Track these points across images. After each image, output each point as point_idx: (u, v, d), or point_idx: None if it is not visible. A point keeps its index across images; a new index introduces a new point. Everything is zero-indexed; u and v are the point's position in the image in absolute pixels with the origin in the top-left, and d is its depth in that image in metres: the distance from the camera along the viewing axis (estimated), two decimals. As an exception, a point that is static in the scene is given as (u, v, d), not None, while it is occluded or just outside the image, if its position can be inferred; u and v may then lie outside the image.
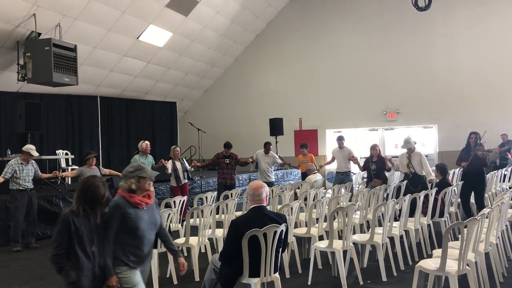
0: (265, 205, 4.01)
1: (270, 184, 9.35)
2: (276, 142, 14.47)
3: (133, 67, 13.87)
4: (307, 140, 13.75)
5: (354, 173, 10.23)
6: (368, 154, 9.10)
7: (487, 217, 4.54)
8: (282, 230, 3.91)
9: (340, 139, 9.99)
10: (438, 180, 7.24)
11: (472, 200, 7.99)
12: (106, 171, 8.49)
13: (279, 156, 10.66)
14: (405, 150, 8.30)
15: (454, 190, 7.20)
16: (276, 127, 14.49)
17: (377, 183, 8.34)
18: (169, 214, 5.31)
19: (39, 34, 10.05)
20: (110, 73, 13.49)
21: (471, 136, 8.09)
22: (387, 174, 9.14)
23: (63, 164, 11.55)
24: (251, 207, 3.99)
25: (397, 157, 8.88)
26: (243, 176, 12.67)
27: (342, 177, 9.70)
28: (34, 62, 9.54)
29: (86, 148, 13.40)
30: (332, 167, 11.52)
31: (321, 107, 16.19)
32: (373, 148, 8.87)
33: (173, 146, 9.58)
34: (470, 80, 14.29)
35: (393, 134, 15.69)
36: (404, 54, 15.12)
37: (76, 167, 9.47)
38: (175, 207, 6.62)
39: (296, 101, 16.53)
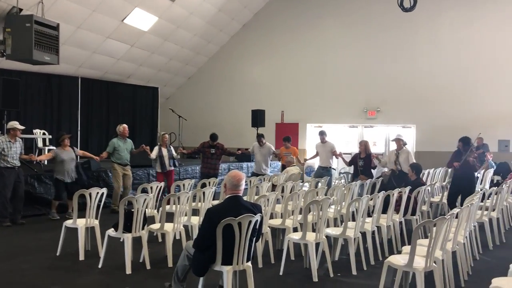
0: (241, 195, 4.05)
1: (265, 176, 9.37)
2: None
3: (116, 49, 13.69)
4: (288, 134, 13.79)
5: (334, 169, 10.31)
6: (347, 150, 9.22)
7: (456, 217, 4.68)
8: (257, 220, 3.96)
9: (322, 134, 10.05)
10: (412, 179, 7.39)
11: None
12: (80, 152, 8.45)
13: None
14: (394, 147, 8.43)
15: (428, 189, 7.36)
16: (258, 118, 14.49)
17: (363, 179, 8.47)
18: (145, 199, 5.30)
19: (21, 10, 9.82)
20: (92, 54, 13.30)
21: (459, 143, 8.19)
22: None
23: (40, 144, 11.37)
24: (227, 196, 4.03)
25: (380, 154, 9.07)
26: (223, 166, 12.65)
27: (323, 172, 9.77)
28: (14, 38, 9.31)
29: (65, 129, 13.19)
30: (312, 161, 11.62)
31: (304, 101, 16.28)
32: (362, 144, 8.96)
33: (162, 133, 9.62)
34: (450, 83, 14.56)
35: (372, 132, 15.89)
36: (387, 53, 15.29)
37: (53, 147, 9.36)
38: (151, 193, 6.60)
39: (279, 94, 16.57)
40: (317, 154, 10.25)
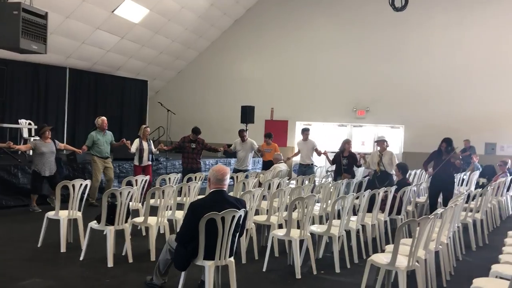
0: (225, 189, 4.02)
1: (246, 171, 9.34)
2: (246, 130, 14.42)
3: (106, 41, 13.55)
4: (277, 131, 13.84)
5: (317, 166, 10.31)
6: (336, 149, 9.22)
7: (440, 217, 4.69)
8: (241, 215, 3.93)
9: (304, 131, 10.02)
10: (398, 179, 7.42)
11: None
12: (62, 145, 8.28)
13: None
14: (378, 148, 8.49)
15: (414, 189, 7.39)
16: (247, 115, 14.43)
17: (346, 177, 8.47)
18: (129, 192, 5.23)
19: (8, -3, 9.65)
20: (81, 45, 13.14)
21: (442, 144, 8.25)
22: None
23: (25, 134, 11.22)
24: (211, 190, 3.99)
25: (368, 154, 9.10)
26: (210, 161, 12.60)
27: (305, 170, 9.77)
28: (1, 26, 9.07)
29: (51, 120, 13.07)
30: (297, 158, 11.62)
31: (293, 99, 16.27)
32: (347, 143, 8.99)
33: (144, 126, 9.43)
34: (440, 84, 14.64)
35: (361, 131, 15.94)
36: (378, 53, 15.32)
37: (38, 138, 9.23)
38: (136, 186, 6.53)
39: (269, 91, 16.54)
40: (299, 152, 10.19)
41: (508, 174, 10.56)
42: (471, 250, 6.46)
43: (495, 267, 4.01)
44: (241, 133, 10.28)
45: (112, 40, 13.69)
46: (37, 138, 9.65)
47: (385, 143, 8.52)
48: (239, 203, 4.01)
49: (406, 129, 15.25)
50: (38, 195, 8.01)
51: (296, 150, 10.80)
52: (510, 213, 10.04)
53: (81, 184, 5.73)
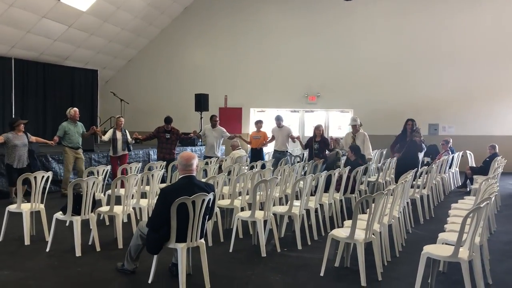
0: (194, 175, 4.19)
1: (216, 158, 9.42)
2: (201, 118, 14.56)
3: (52, 30, 13.14)
4: (231, 118, 13.98)
5: (290, 153, 10.46)
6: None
7: (392, 194, 5.09)
8: (210, 198, 4.12)
9: (278, 119, 10.07)
10: (351, 160, 7.83)
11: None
12: (34, 138, 8.15)
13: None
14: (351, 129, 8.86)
15: (366, 169, 7.83)
16: (201, 102, 14.51)
17: (318, 161, 8.80)
18: (94, 182, 5.28)
19: None
20: (26, 34, 12.68)
21: (408, 122, 8.65)
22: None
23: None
24: (181, 176, 4.15)
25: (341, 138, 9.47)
26: (187, 150, 12.60)
27: (279, 156, 9.82)
28: None
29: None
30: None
31: (247, 86, 16.48)
32: (317, 128, 9.25)
33: (118, 116, 9.42)
34: (385, 70, 15.32)
35: (313, 116, 16.42)
36: (327, 40, 15.78)
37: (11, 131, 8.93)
38: (98, 176, 6.55)
39: (222, 78, 16.65)
40: (273, 138, 10.23)
41: (450, 153, 11.33)
42: (419, 223, 6.98)
43: (441, 235, 4.45)
44: (213, 119, 10.19)
45: (59, 29, 13.30)
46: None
47: (357, 125, 8.89)
48: (208, 187, 4.19)
49: (355, 113, 15.81)
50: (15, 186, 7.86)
51: (270, 137, 10.67)
52: (453, 188, 10.81)
53: (42, 176, 5.70)
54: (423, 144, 8.74)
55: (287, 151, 10.09)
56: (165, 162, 8.13)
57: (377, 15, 15.42)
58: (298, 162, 9.56)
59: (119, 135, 9.05)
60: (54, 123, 14.25)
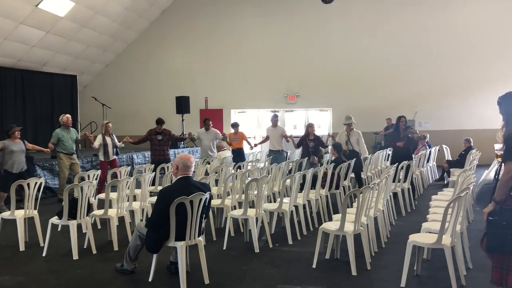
0: (191, 175, 4.36)
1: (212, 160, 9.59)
2: (183, 121, 14.66)
3: (30, 36, 13.05)
4: (212, 119, 13.95)
5: (286, 152, 10.64)
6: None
7: (376, 189, 5.36)
8: (207, 198, 4.30)
9: (275, 117, 10.27)
10: (334, 158, 8.10)
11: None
12: (30, 145, 8.18)
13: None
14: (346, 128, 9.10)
15: (349, 165, 8.11)
16: (182, 105, 14.61)
17: (314, 159, 9.01)
18: (88, 186, 5.38)
19: None
20: (3, 41, 12.57)
21: (401, 119, 8.83)
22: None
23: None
24: (178, 177, 4.31)
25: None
26: (183, 151, 12.67)
27: (276, 155, 9.97)
28: None
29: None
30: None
31: (227, 87, 16.65)
32: (311, 126, 9.43)
33: (106, 121, 9.43)
34: (361, 69, 15.72)
35: (293, 115, 16.71)
36: (304, 40, 16.10)
37: (7, 138, 8.88)
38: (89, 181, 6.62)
39: (202, 80, 16.77)
40: (267, 138, 10.40)
41: (427, 147, 11.75)
42: (402, 216, 7.30)
43: (425, 225, 4.74)
44: (207, 122, 10.47)
45: (36, 35, 13.21)
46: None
47: (351, 124, 9.13)
48: (204, 187, 4.37)
49: (333, 112, 16.23)
50: (7, 193, 7.83)
51: (265, 137, 10.84)
52: (431, 181, 11.22)
53: (36, 183, 5.77)
54: (417, 141, 9.02)
55: (282, 150, 10.26)
56: (153, 165, 8.24)
57: (352, 16, 15.81)
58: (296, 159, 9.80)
59: (108, 140, 9.13)
60: (34, 129, 14.16)
